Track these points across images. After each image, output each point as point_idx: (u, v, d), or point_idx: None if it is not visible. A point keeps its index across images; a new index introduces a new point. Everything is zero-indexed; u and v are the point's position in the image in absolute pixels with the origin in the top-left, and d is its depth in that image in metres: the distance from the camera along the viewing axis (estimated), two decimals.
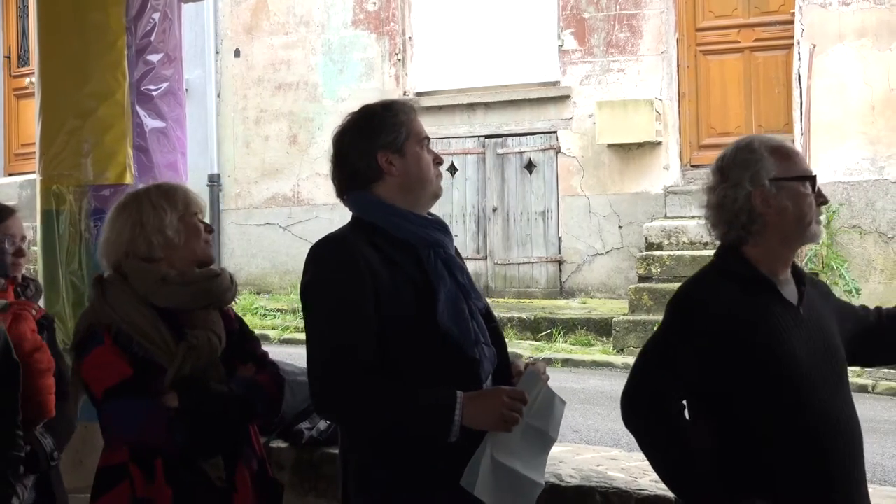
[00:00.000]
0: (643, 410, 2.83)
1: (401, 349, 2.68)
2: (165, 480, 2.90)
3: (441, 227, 2.87)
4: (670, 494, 3.55)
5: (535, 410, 2.72)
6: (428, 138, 2.88)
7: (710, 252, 11.02)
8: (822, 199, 2.80)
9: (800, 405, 2.72)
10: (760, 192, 2.74)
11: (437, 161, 2.88)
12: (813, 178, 2.79)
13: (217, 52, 12.98)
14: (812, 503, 2.74)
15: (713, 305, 2.76)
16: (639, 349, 10.01)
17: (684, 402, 2.83)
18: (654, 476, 3.76)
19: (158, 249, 3.00)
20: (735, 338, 2.72)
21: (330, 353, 2.69)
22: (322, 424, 3.99)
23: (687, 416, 2.84)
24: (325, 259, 2.77)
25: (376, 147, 2.80)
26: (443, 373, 2.67)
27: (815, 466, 2.72)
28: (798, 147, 10.12)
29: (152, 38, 4.57)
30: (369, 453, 2.77)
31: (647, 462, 4.03)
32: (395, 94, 11.98)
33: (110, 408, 2.91)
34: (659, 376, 2.80)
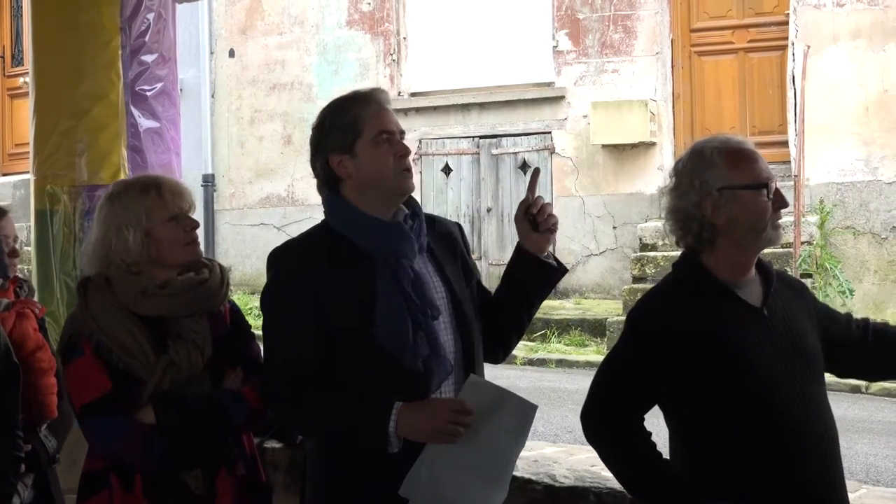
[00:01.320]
0: (608, 425, 2.79)
1: (345, 359, 2.67)
2: (143, 492, 2.89)
3: (398, 231, 2.77)
4: None
5: (489, 418, 2.66)
6: (387, 131, 2.77)
7: None
8: (779, 204, 2.74)
9: (763, 409, 2.70)
10: (710, 200, 2.71)
11: (401, 153, 2.76)
12: (765, 185, 2.72)
13: (211, 53, 12.99)
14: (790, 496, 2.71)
15: (669, 318, 2.75)
16: None
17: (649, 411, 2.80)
18: None
19: (134, 263, 2.95)
20: (693, 348, 2.69)
21: (272, 363, 2.72)
22: None
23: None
24: (276, 267, 2.77)
25: (327, 151, 2.76)
26: (385, 384, 2.65)
27: (785, 469, 2.70)
28: (792, 148, 10.18)
29: (147, 39, 4.57)
30: (320, 456, 2.79)
31: None
32: (391, 100, 11.95)
33: (87, 424, 2.90)
34: (623, 391, 2.78)
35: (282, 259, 2.76)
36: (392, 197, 2.79)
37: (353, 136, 2.74)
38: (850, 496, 3.15)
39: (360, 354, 2.66)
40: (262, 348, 2.78)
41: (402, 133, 2.81)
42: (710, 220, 2.71)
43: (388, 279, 2.71)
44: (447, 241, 2.94)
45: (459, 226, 3.07)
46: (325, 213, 2.81)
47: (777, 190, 2.73)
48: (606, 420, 2.80)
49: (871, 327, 2.92)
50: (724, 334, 2.70)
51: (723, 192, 2.69)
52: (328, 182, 2.78)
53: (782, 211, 2.79)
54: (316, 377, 2.65)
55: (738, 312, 2.74)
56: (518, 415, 2.74)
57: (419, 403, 2.63)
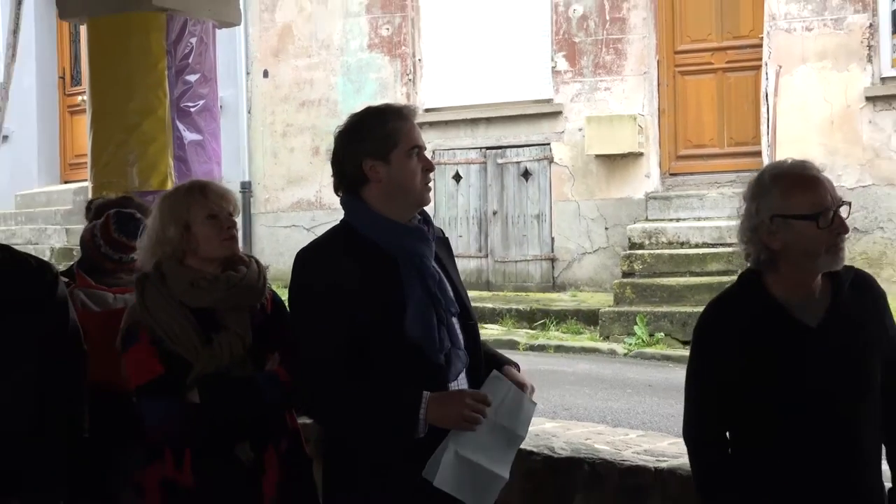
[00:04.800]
0: (695, 439, 2.74)
1: (373, 353, 2.61)
2: (191, 467, 2.89)
3: (419, 234, 2.74)
4: (650, 465, 3.56)
5: (503, 410, 2.67)
6: (419, 146, 2.72)
7: (686, 251, 11.03)
8: (840, 229, 2.54)
9: (804, 426, 2.57)
10: (764, 226, 2.57)
11: (427, 168, 2.73)
12: (817, 215, 2.52)
13: (248, 73, 13.00)
14: None
15: (725, 329, 2.65)
16: (622, 335, 9.99)
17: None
18: (636, 448, 3.78)
19: (179, 253, 2.97)
20: (743, 364, 2.59)
21: (308, 358, 2.66)
22: None
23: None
24: (307, 266, 2.70)
25: (362, 154, 2.69)
26: (410, 375, 2.60)
27: (823, 482, 2.58)
28: (765, 158, 10.13)
29: (190, 61, 4.58)
30: (348, 453, 2.72)
31: (629, 436, 4.06)
32: None
33: (142, 403, 2.92)
34: (697, 403, 2.71)
35: (311, 258, 2.71)
36: (414, 205, 2.75)
37: (390, 145, 2.68)
38: None
39: (388, 348, 2.61)
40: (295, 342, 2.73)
41: (425, 149, 2.78)
42: (766, 245, 2.57)
43: (416, 279, 2.67)
44: (445, 245, 2.90)
45: (444, 234, 2.98)
46: (347, 214, 2.76)
47: (837, 216, 2.53)
48: (690, 433, 2.73)
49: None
50: (771, 355, 2.58)
51: (775, 219, 2.55)
52: (353, 183, 2.72)
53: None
54: (350, 368, 2.60)
55: (789, 332, 2.60)
56: (524, 409, 2.76)
57: (446, 393, 2.62)
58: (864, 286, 2.70)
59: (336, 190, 2.78)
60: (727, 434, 2.68)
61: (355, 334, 2.60)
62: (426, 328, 2.64)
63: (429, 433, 2.57)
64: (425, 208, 2.82)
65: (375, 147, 2.68)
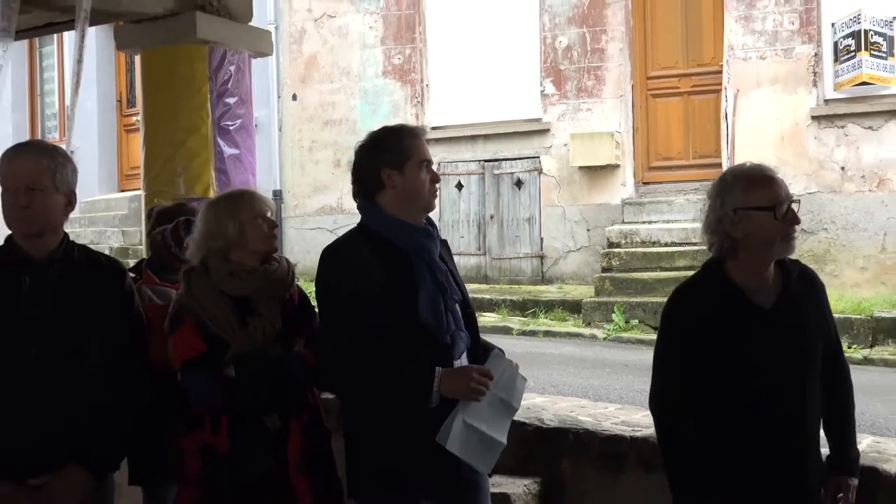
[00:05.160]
0: (659, 409, 2.72)
1: (390, 334, 2.61)
2: (228, 433, 2.90)
3: (427, 233, 2.77)
4: (626, 434, 3.56)
5: (500, 385, 2.69)
6: (428, 160, 2.75)
7: (657, 249, 10.98)
8: (792, 221, 2.58)
9: (758, 399, 2.57)
10: (728, 218, 2.57)
11: (434, 180, 2.75)
12: (774, 207, 2.55)
13: (279, 96, 12.99)
14: (770, 479, 2.60)
15: (689, 311, 2.65)
16: (602, 322, 9.95)
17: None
18: (615, 419, 3.78)
19: (227, 247, 2.98)
20: (706, 341, 2.59)
21: (336, 342, 2.65)
22: None
23: None
24: (335, 262, 2.71)
25: (381, 164, 2.71)
26: (422, 353, 2.62)
27: (772, 451, 2.59)
28: (725, 169, 10.10)
29: (229, 86, 4.59)
30: (368, 425, 2.71)
31: (608, 409, 4.06)
32: None
33: (185, 376, 2.92)
34: (664, 378, 2.69)
35: (335, 255, 2.72)
36: (422, 210, 2.77)
37: (405, 157, 2.70)
38: (859, 446, 2.99)
39: (403, 329, 2.62)
40: (321, 329, 2.73)
41: (432, 163, 2.80)
42: (729, 234, 2.59)
43: (426, 271, 2.69)
44: (446, 246, 2.90)
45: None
46: (365, 216, 2.76)
47: (790, 209, 2.57)
48: (660, 403, 2.71)
49: (832, 372, 2.73)
50: (729, 334, 2.58)
51: (737, 212, 2.56)
52: (370, 189, 2.73)
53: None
54: (373, 347, 2.60)
55: (746, 315, 2.60)
56: (518, 384, 2.78)
57: (456, 369, 2.64)
58: (808, 279, 2.72)
59: (354, 196, 2.80)
60: (687, 405, 2.65)
61: (375, 319, 2.60)
62: (435, 313, 2.67)
63: (441, 404, 2.59)
64: (430, 214, 2.83)
65: (392, 158, 2.70)
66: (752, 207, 2.55)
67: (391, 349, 2.61)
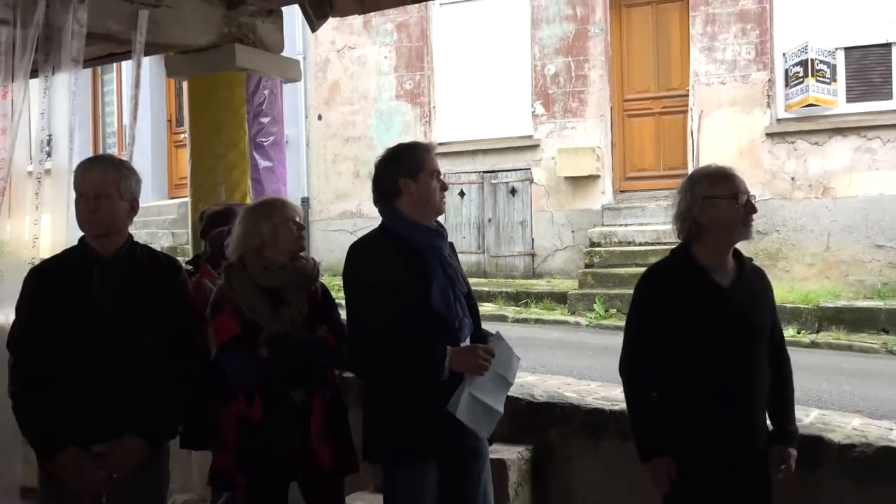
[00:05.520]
0: (628, 370, 2.72)
1: (407, 319, 2.62)
2: (260, 405, 2.90)
3: (439, 234, 2.78)
4: (606, 407, 3.55)
5: (500, 362, 2.70)
6: (438, 171, 2.77)
7: (632, 248, 10.96)
8: (749, 210, 2.65)
9: (716, 362, 2.59)
10: (697, 206, 2.63)
11: (443, 188, 2.78)
12: (736, 196, 2.63)
13: (306, 117, 12.99)
14: (724, 436, 2.62)
15: (660, 289, 2.68)
16: (585, 311, 9.90)
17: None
18: (596, 395, 3.77)
19: (261, 246, 2.98)
20: (673, 313, 2.61)
21: (364, 325, 2.64)
22: None
23: None
24: (360, 258, 2.71)
25: (398, 173, 2.73)
26: (435, 336, 2.63)
27: (726, 409, 2.60)
28: None
29: (263, 107, 4.59)
30: (384, 388, 2.71)
31: (591, 386, 4.04)
32: None
33: (223, 356, 2.93)
34: (635, 346, 2.70)
35: (360, 251, 2.72)
36: (434, 213, 2.79)
37: (418, 168, 2.72)
38: (804, 419, 3.14)
39: (418, 316, 2.63)
40: (345, 315, 2.74)
41: (442, 174, 2.82)
42: (697, 220, 2.63)
43: (438, 266, 2.71)
44: (451, 246, 2.90)
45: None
46: (385, 219, 2.77)
47: (748, 200, 2.64)
48: (628, 366, 2.72)
49: (776, 360, 2.75)
50: (694, 306, 2.61)
51: (706, 200, 2.62)
52: (389, 196, 2.75)
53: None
54: (394, 332, 2.61)
55: (708, 290, 2.63)
56: (513, 362, 2.79)
57: (464, 347, 2.67)
58: (759, 275, 2.78)
59: (375, 202, 2.81)
60: (653, 367, 2.67)
61: (395, 307, 2.61)
62: (446, 302, 2.68)
63: (450, 378, 2.61)
64: (439, 218, 2.85)
65: (408, 169, 2.72)
66: (717, 196, 2.62)
67: (409, 333, 2.62)
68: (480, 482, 2.83)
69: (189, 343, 2.87)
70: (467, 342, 2.75)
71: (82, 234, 2.74)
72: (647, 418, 2.68)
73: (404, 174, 2.72)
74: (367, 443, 2.76)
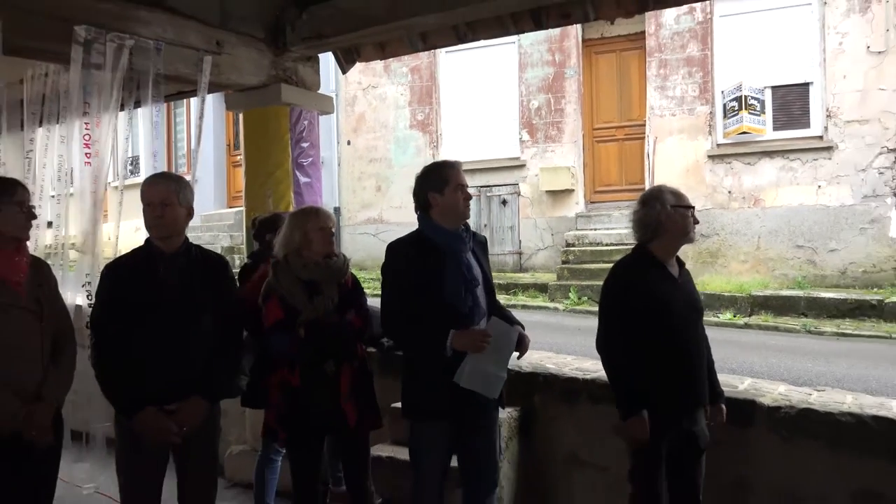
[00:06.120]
0: (605, 348, 2.71)
1: (426, 307, 2.63)
2: (299, 374, 2.89)
3: (459, 238, 2.76)
4: (579, 377, 3.53)
5: (499, 340, 2.66)
6: (462, 184, 2.74)
7: (601, 248, 10.88)
8: (695, 220, 2.73)
9: (674, 335, 2.63)
10: (664, 212, 2.66)
11: (467, 198, 2.75)
12: (692, 208, 2.72)
13: (338, 142, 12.98)
14: (683, 394, 2.66)
15: (629, 277, 2.68)
16: (562, 299, 9.84)
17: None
18: (572, 367, 3.74)
19: (301, 247, 2.97)
20: (642, 297, 2.62)
21: (389, 305, 2.67)
22: None
23: None
24: (391, 252, 2.72)
25: (426, 189, 2.73)
26: (449, 320, 2.62)
27: (684, 372, 2.64)
28: None
29: (303, 134, 4.58)
30: (409, 359, 2.76)
31: (567, 359, 4.02)
32: None
33: (270, 336, 2.92)
34: (610, 327, 2.69)
35: (395, 249, 2.72)
36: (458, 220, 2.76)
37: (444, 183, 2.71)
38: (739, 386, 3.17)
39: (436, 304, 2.63)
40: (380, 298, 2.74)
41: (466, 185, 2.78)
42: (662, 223, 2.66)
43: (453, 263, 2.69)
44: (482, 245, 2.89)
45: (486, 238, 2.99)
46: (420, 224, 2.77)
47: (693, 212, 2.73)
48: (604, 343, 2.71)
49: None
50: (656, 289, 2.65)
51: (674, 208, 2.67)
52: (425, 207, 2.75)
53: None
54: (413, 314, 2.62)
55: (666, 279, 2.69)
56: (511, 338, 2.75)
57: (465, 330, 2.64)
58: (688, 270, 2.86)
59: (416, 210, 2.79)
60: (624, 343, 2.67)
61: (415, 294, 2.62)
62: (457, 293, 2.67)
63: (454, 355, 2.60)
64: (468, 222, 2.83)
65: (435, 185, 2.72)
66: (682, 206, 2.70)
67: (423, 316, 2.62)
68: (488, 434, 2.84)
69: (237, 323, 2.87)
70: (482, 325, 2.73)
71: (147, 236, 2.75)
72: (624, 386, 2.68)
73: (432, 189, 2.72)
74: (401, 402, 2.80)
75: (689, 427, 2.69)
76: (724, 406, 2.84)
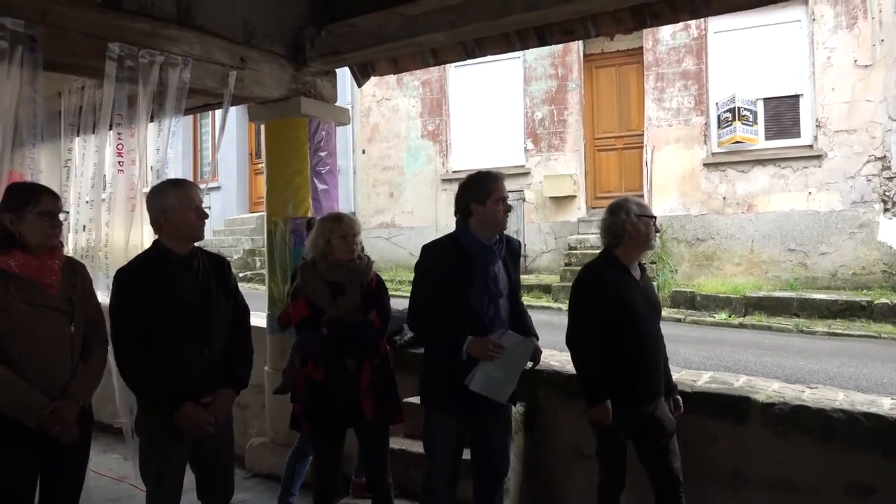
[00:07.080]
0: (573, 343, 2.75)
1: (451, 312, 2.62)
2: (322, 370, 2.90)
3: (490, 250, 2.71)
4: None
5: (511, 351, 2.64)
6: (503, 197, 2.69)
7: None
8: (657, 229, 2.79)
9: (637, 332, 2.68)
10: (629, 221, 2.71)
11: (506, 210, 2.70)
12: (655, 218, 2.78)
13: (353, 151, 13.01)
14: (643, 383, 2.72)
15: (598, 279, 2.72)
16: (565, 300, 9.87)
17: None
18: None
19: (326, 252, 2.98)
20: (608, 297, 2.67)
21: (415, 306, 2.67)
22: (406, 337, 3.97)
23: None
24: (426, 253, 2.70)
25: (469, 199, 2.70)
26: (468, 326, 2.62)
27: (644, 364, 2.70)
28: (646, 200, 10.08)
29: (321, 144, 4.58)
30: (428, 361, 2.77)
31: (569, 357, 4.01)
32: (442, 175, 11.96)
33: (298, 332, 2.96)
34: (580, 323, 2.72)
35: (428, 251, 2.71)
36: (496, 230, 2.72)
37: (486, 195, 2.68)
38: (735, 383, 3.18)
39: (460, 311, 2.62)
40: (410, 296, 2.73)
41: (507, 198, 2.73)
42: (627, 231, 2.71)
43: (481, 274, 2.66)
44: (514, 253, 2.83)
45: (520, 243, 2.94)
46: (456, 230, 2.73)
47: (655, 221, 2.78)
48: (572, 339, 2.76)
49: None
50: (622, 291, 2.71)
51: (639, 217, 2.73)
52: (465, 214, 2.71)
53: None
54: (438, 315, 2.62)
55: (630, 281, 2.75)
56: (526, 349, 2.73)
57: (480, 338, 2.61)
58: (648, 274, 2.91)
59: (455, 214, 2.76)
60: (592, 339, 2.71)
61: (437, 295, 2.62)
62: (480, 303, 2.65)
63: (468, 359, 2.60)
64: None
65: (477, 196, 2.68)
66: (646, 216, 2.75)
67: (446, 318, 2.62)
68: (501, 427, 2.86)
69: (247, 317, 2.85)
70: (498, 335, 2.70)
71: (156, 237, 2.66)
72: (590, 376, 2.73)
73: (475, 200, 2.69)
74: (419, 391, 2.83)
75: (652, 412, 2.75)
76: (679, 398, 2.91)
